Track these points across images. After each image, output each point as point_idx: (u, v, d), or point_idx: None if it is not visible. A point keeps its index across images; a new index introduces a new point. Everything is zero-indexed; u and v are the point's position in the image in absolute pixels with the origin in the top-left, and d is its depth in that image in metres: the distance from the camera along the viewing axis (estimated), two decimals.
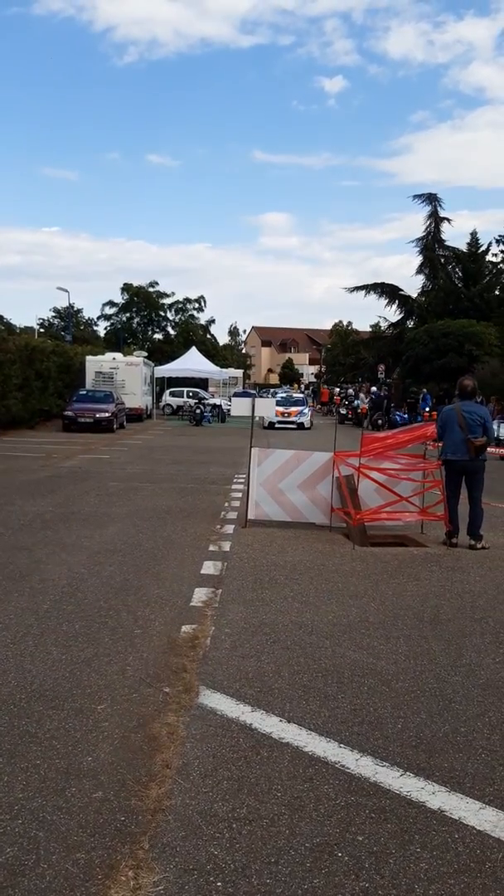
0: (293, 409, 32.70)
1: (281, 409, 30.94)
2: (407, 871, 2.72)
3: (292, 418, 32.04)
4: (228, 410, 38.47)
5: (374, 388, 36.18)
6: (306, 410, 33.44)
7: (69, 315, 55.18)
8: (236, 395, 34.73)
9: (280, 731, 3.79)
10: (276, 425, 30.86)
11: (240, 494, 11.81)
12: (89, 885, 2.59)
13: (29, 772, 3.33)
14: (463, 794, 3.25)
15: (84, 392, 28.08)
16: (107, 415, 25.54)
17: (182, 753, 3.53)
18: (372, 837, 2.92)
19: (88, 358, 32.30)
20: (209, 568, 7.18)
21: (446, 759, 3.56)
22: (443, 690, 4.41)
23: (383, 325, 48.97)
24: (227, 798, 3.17)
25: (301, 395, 40.80)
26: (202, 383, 43.63)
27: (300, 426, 32.03)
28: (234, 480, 13.82)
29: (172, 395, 41.25)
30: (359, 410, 34.37)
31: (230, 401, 39.67)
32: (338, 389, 47.77)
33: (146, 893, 2.55)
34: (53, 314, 69.51)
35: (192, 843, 2.85)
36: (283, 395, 39.17)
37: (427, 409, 32.30)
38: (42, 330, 64.15)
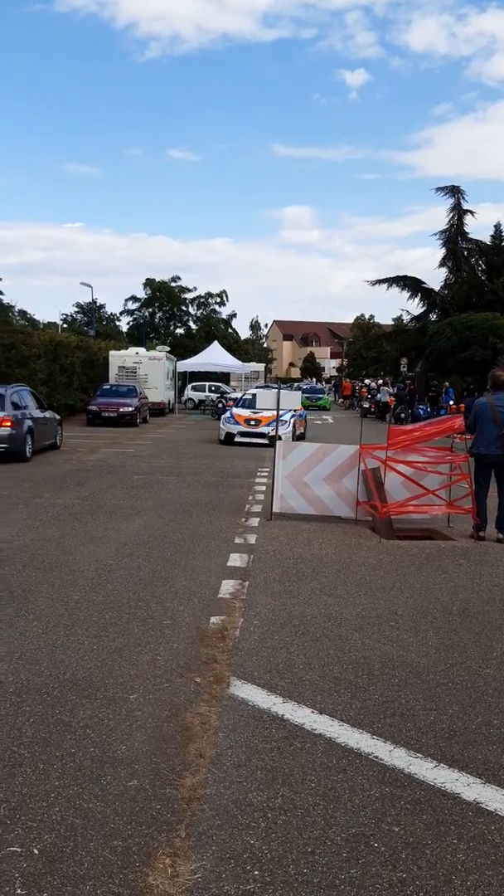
0: (265, 414, 19.56)
1: (248, 413, 20.37)
2: (444, 861, 2.71)
3: (261, 429, 19.70)
4: None
5: (397, 383, 35.89)
6: (288, 417, 19.39)
7: (92, 310, 55.44)
8: (259, 388, 31.67)
9: (312, 723, 3.79)
10: (238, 439, 19.93)
11: (263, 488, 11.81)
12: (127, 873, 2.61)
13: (64, 760, 3.36)
14: (498, 785, 3.23)
15: (108, 387, 28.20)
16: (130, 409, 25.64)
17: (215, 743, 3.55)
18: (408, 828, 2.91)
19: (112, 353, 32.44)
20: (236, 560, 7.19)
21: (480, 752, 3.54)
22: (474, 683, 4.38)
23: (406, 318, 48.59)
24: (262, 788, 3.17)
25: (324, 387, 39.87)
26: (224, 377, 43.71)
27: (274, 441, 18.90)
28: (258, 474, 13.82)
29: (194, 389, 41.36)
30: (385, 402, 34.02)
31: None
32: (369, 382, 45.53)
33: (184, 881, 2.57)
34: (76, 310, 69.96)
35: (228, 832, 2.86)
36: (307, 387, 37.65)
37: (451, 402, 32.00)
38: (65, 325, 64.53)
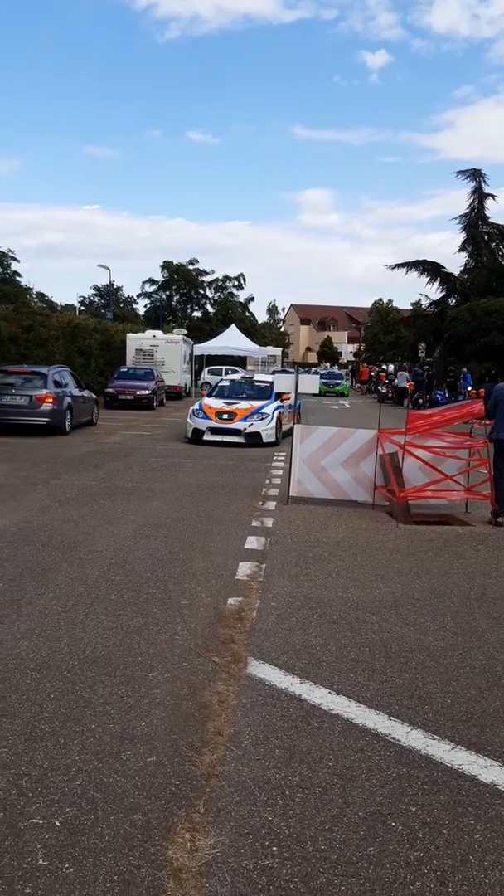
0: (241, 405, 16.17)
1: (220, 404, 16.34)
2: (461, 841, 2.72)
3: (236, 424, 15.65)
4: None
5: (415, 368, 35.63)
6: (271, 409, 16.04)
7: (109, 293, 55.47)
8: (276, 372, 30.69)
9: (329, 703, 3.81)
10: (208, 437, 15.68)
11: (280, 472, 11.81)
12: (147, 846, 2.65)
13: (84, 735, 3.40)
14: None
15: (125, 369, 28.25)
16: (147, 392, 25.67)
17: (233, 721, 3.58)
18: (425, 808, 2.92)
19: (129, 335, 32.46)
20: (252, 543, 7.21)
21: (497, 735, 3.54)
22: (492, 667, 4.38)
23: (424, 303, 48.25)
24: (280, 766, 3.20)
25: (341, 372, 39.44)
26: (240, 361, 43.63)
27: (252, 439, 15.52)
28: (274, 458, 13.82)
29: (211, 373, 41.29)
30: (403, 387, 33.78)
31: None
32: (392, 367, 44.44)
33: (203, 855, 2.60)
34: (94, 292, 70.01)
35: (247, 808, 2.89)
36: (325, 372, 36.98)
37: (469, 387, 31.74)
38: (83, 308, 64.64)
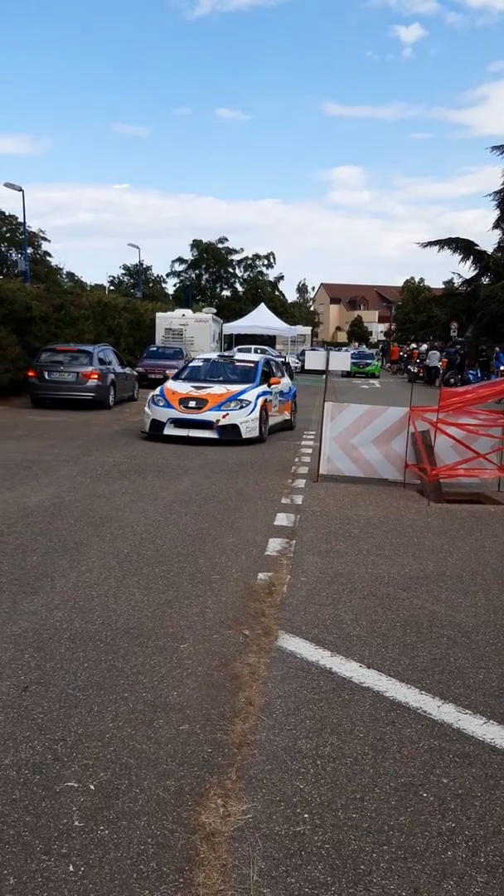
0: (215, 391, 12.84)
1: (188, 388, 13.00)
2: (493, 814, 2.72)
3: (205, 415, 12.38)
4: (297, 368, 38.29)
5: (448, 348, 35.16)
6: (253, 396, 12.74)
7: (139, 272, 55.50)
8: (308, 350, 29.45)
9: (360, 676, 3.82)
10: (169, 431, 12.38)
11: (310, 450, 11.79)
12: (180, 810, 2.69)
13: (118, 703, 3.45)
14: None
15: (154, 348, 28.28)
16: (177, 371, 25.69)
17: (264, 692, 3.60)
18: (457, 780, 2.92)
19: (158, 314, 32.46)
20: (282, 520, 7.22)
21: None
22: None
23: (457, 281, 47.56)
24: (311, 736, 3.22)
25: (372, 352, 38.76)
26: (270, 341, 43.47)
27: (226, 434, 12.23)
28: (304, 437, 13.78)
29: (240, 352, 41.21)
30: (434, 367, 33.41)
31: (298, 359, 39.69)
32: (425, 346, 43.66)
33: (235, 821, 2.63)
34: (123, 271, 70.12)
35: (279, 776, 2.92)
36: (355, 352, 36.18)
37: (502, 367, 31.28)
38: (112, 287, 64.79)
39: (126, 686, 3.62)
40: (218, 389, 12.81)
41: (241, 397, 12.58)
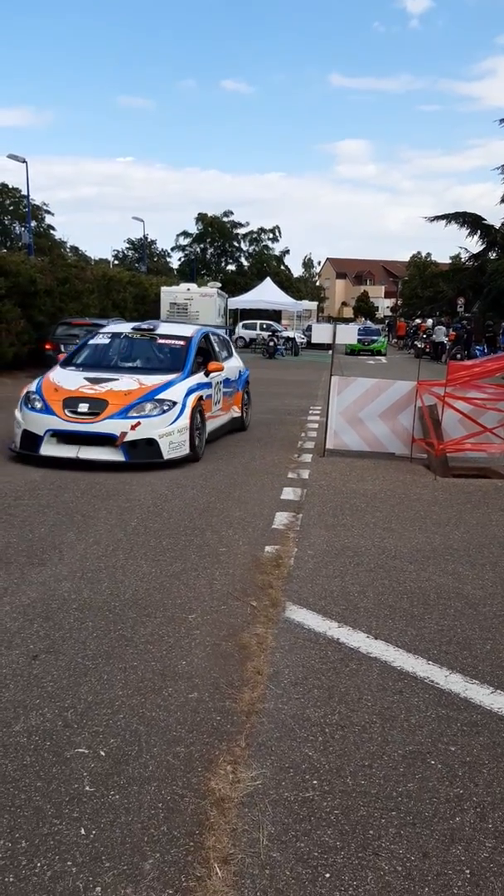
0: (119, 387, 8.41)
1: (81, 382, 8.59)
2: (501, 780, 2.74)
3: (98, 425, 7.97)
4: (302, 343, 38.14)
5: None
6: (177, 392, 8.47)
7: (143, 246, 55.12)
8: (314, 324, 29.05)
9: (367, 647, 3.84)
10: (46, 451, 8.06)
11: (316, 425, 11.76)
12: (190, 776, 2.71)
13: (127, 672, 3.47)
14: None
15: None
16: None
17: (272, 662, 3.62)
18: (464, 748, 2.94)
19: (163, 289, 32.26)
20: (289, 494, 7.22)
21: None
22: None
23: (464, 256, 47.11)
24: (319, 705, 3.24)
25: (378, 327, 37.98)
26: (275, 315, 43.23)
27: (137, 455, 7.96)
28: (310, 412, 13.75)
29: (245, 327, 41.02)
30: (440, 342, 33.19)
31: (304, 334, 39.51)
32: (431, 321, 43.10)
33: (245, 787, 2.65)
34: (127, 245, 69.61)
35: (287, 744, 2.94)
36: (360, 327, 35.36)
37: None
38: (116, 262, 64.41)
39: (135, 655, 3.64)
40: (125, 384, 8.44)
41: (160, 395, 8.30)
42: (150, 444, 8.02)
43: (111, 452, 8.00)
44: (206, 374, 9.37)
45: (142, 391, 8.38)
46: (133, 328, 10.12)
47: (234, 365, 11.01)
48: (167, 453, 8.10)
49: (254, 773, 2.74)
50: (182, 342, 9.59)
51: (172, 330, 10.12)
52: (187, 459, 8.34)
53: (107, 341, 9.89)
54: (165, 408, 8.25)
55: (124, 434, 7.96)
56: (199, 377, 9.19)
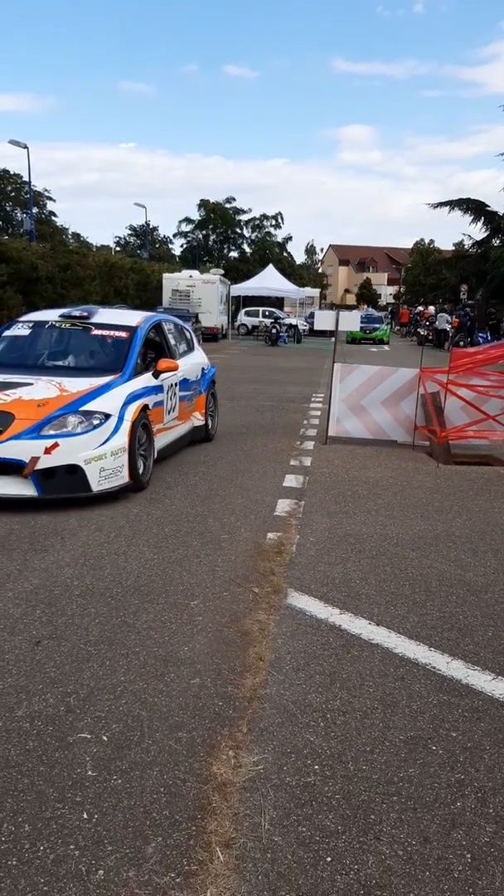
0: (35, 389, 6.34)
1: None
2: (502, 766, 2.75)
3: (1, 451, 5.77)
4: (305, 331, 38.01)
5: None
6: (111, 402, 6.37)
7: (145, 232, 54.89)
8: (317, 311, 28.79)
9: (369, 633, 3.84)
10: None
11: (318, 413, 11.75)
12: (192, 761, 2.72)
13: (129, 658, 3.48)
14: None
15: (162, 310, 28.12)
16: None
17: (274, 648, 3.63)
18: (466, 734, 2.95)
19: (165, 275, 32.21)
20: (291, 481, 7.22)
21: None
22: None
23: (467, 243, 46.79)
24: (321, 690, 3.25)
25: (380, 315, 37.64)
26: (278, 303, 43.08)
27: (53, 487, 5.89)
28: (312, 399, 13.73)
29: (248, 314, 40.89)
30: (443, 330, 33.05)
31: (306, 322, 39.36)
32: (434, 308, 42.67)
33: (247, 771, 2.67)
34: (129, 232, 69.30)
35: (289, 729, 2.95)
36: (362, 315, 34.98)
37: None
38: (118, 248, 64.15)
39: (137, 641, 3.65)
40: (41, 390, 6.43)
41: (89, 406, 6.29)
42: (73, 471, 5.93)
43: (17, 485, 5.88)
44: (156, 375, 7.25)
45: (62, 400, 6.24)
46: (61, 315, 7.86)
47: (194, 361, 8.88)
48: (97, 484, 6.04)
49: (255, 758, 2.75)
50: (124, 333, 7.48)
51: (112, 318, 7.89)
52: (127, 490, 6.35)
53: (27, 332, 7.76)
54: (95, 422, 6.15)
55: (35, 459, 5.82)
56: (145, 379, 7.08)
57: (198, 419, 8.81)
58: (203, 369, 9.21)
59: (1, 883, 2.14)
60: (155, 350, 8.01)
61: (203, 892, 2.12)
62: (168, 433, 7.67)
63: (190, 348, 9.13)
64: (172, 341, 8.47)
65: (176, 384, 7.90)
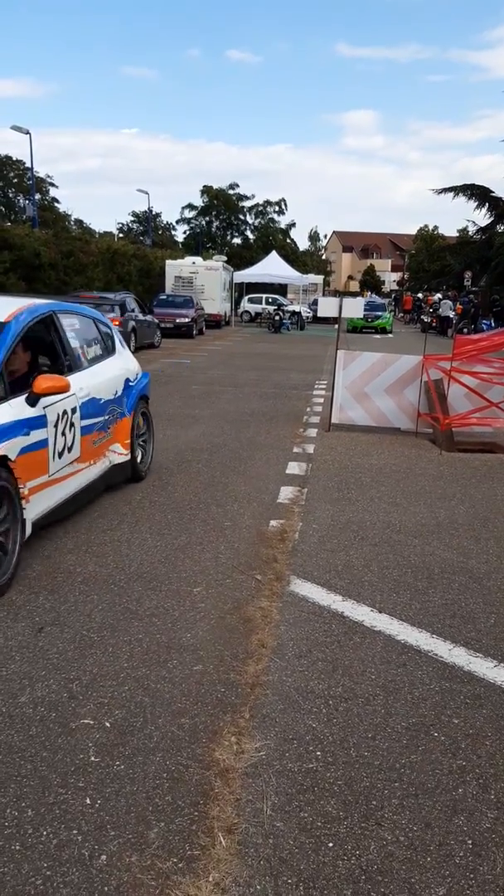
0: None
1: None
2: (503, 753, 2.75)
3: None
4: (308, 318, 37.87)
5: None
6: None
7: (148, 219, 54.61)
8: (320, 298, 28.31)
9: (372, 620, 3.84)
10: None
11: (321, 400, 11.72)
12: (195, 747, 2.73)
13: (132, 644, 3.49)
14: None
15: (164, 297, 28.00)
16: (187, 320, 25.49)
17: (277, 635, 3.63)
18: (468, 721, 2.96)
19: (168, 262, 32.05)
20: (294, 468, 7.21)
21: None
22: None
23: (471, 229, 46.53)
24: (323, 677, 3.26)
25: (383, 302, 37.33)
26: (281, 290, 42.91)
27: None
28: (315, 387, 13.70)
29: (251, 301, 40.74)
30: (447, 317, 32.90)
31: (310, 308, 39.20)
32: (438, 295, 42.18)
33: (249, 757, 2.67)
34: (132, 218, 68.89)
35: (291, 715, 2.96)
36: (366, 301, 34.51)
37: None
38: (121, 235, 63.84)
39: (140, 628, 3.66)
40: None
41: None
42: None
43: None
44: (32, 401, 4.53)
45: None
46: None
47: (112, 372, 6.11)
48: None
49: (258, 744, 2.76)
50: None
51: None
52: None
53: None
54: None
55: None
56: (14, 407, 4.38)
57: (118, 453, 6.04)
58: (128, 381, 6.43)
59: (4, 867, 2.15)
60: (50, 356, 5.49)
61: (205, 877, 2.14)
62: (59, 487, 4.88)
63: (107, 351, 6.33)
64: (75, 343, 5.67)
65: (74, 410, 5.10)
